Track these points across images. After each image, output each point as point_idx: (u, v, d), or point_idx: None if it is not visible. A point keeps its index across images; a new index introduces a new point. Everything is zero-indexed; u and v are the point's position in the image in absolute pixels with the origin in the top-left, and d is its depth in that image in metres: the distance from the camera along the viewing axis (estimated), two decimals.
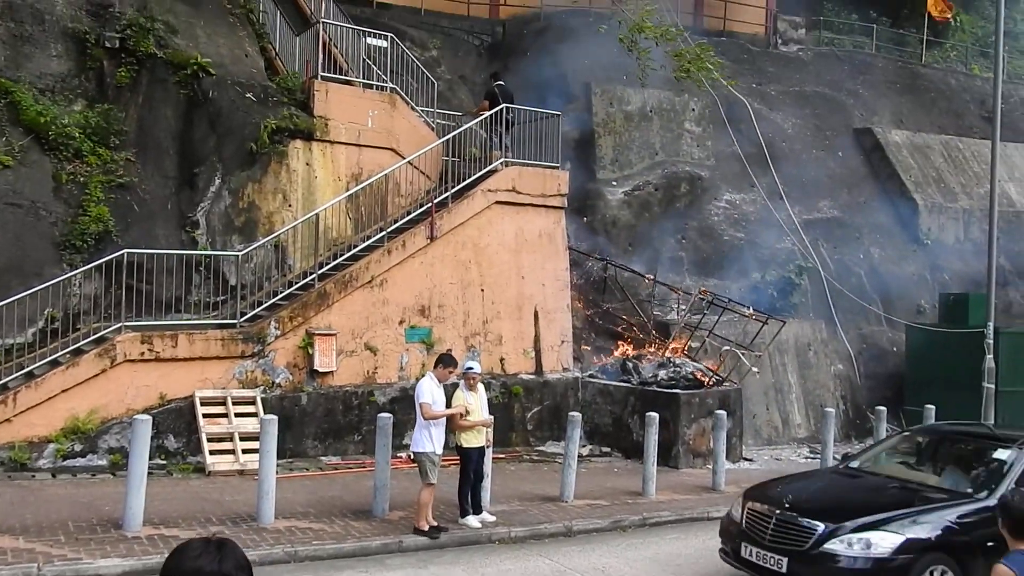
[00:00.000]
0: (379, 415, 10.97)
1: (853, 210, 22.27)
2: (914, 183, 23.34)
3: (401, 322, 14.67)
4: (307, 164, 15.09)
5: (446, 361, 10.17)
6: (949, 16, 29.16)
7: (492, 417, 11.04)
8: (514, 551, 10.02)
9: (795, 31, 26.93)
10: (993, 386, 16.78)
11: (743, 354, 16.52)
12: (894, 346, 20.45)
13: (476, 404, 10.49)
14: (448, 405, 10.21)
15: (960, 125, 26.04)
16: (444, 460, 10.38)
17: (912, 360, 19.42)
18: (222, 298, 13.92)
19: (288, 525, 9.93)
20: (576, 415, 12.45)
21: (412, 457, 10.56)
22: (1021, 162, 26.00)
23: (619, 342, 17.74)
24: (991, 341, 16.86)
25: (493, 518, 10.73)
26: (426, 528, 9.98)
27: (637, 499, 12.43)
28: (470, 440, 10.45)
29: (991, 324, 17.00)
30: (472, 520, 10.46)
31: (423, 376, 10.41)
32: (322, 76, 15.33)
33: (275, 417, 10.37)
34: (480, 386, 10.66)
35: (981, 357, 16.86)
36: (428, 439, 9.93)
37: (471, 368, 10.61)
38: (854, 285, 20.82)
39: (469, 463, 10.48)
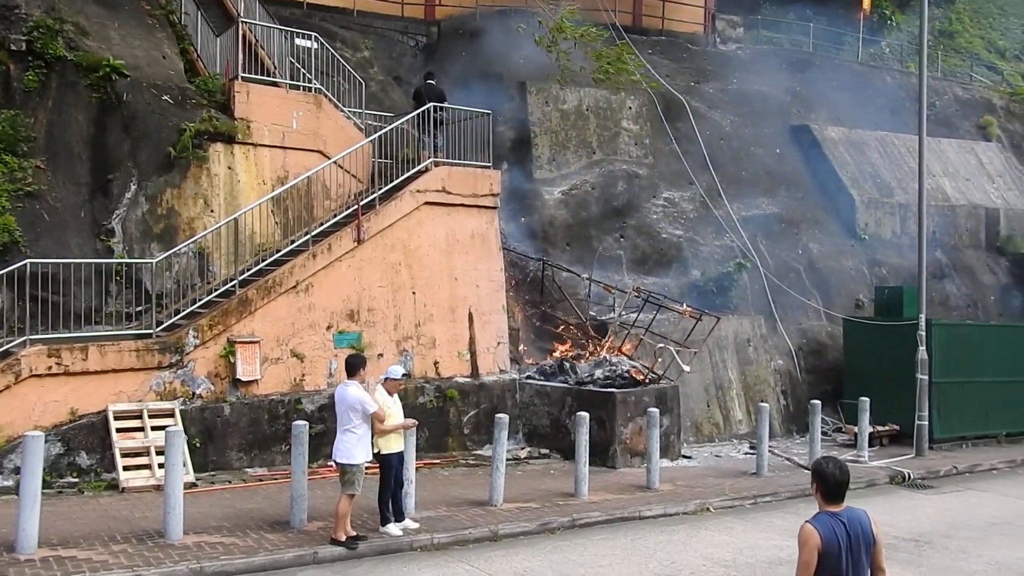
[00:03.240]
0: (295, 423, 10.62)
1: (791, 206, 22.35)
2: (850, 179, 23.51)
3: (329, 327, 14.31)
4: (229, 168, 14.68)
5: (355, 363, 9.88)
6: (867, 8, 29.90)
7: (415, 420, 10.82)
8: (435, 558, 9.73)
9: (733, 30, 27.07)
10: (927, 377, 16.86)
11: (678, 351, 16.40)
12: (833, 340, 20.51)
13: (396, 408, 10.23)
14: None
15: (896, 121, 26.24)
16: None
17: (850, 354, 19.49)
18: (140, 308, 13.44)
19: (198, 540, 9.53)
20: (503, 417, 12.17)
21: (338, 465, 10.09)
22: (955, 157, 26.36)
23: (557, 343, 17.54)
24: (923, 333, 16.94)
25: (416, 525, 10.43)
26: (343, 538, 9.65)
27: (569, 500, 12.20)
28: (390, 445, 10.14)
29: (923, 316, 17.08)
30: (393, 528, 10.14)
31: (347, 385, 9.70)
32: (243, 77, 14.94)
33: (180, 429, 9.94)
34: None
35: (915, 349, 16.93)
36: (359, 449, 9.61)
37: (394, 374, 10.30)
38: (793, 280, 20.86)
39: (390, 469, 10.17)
